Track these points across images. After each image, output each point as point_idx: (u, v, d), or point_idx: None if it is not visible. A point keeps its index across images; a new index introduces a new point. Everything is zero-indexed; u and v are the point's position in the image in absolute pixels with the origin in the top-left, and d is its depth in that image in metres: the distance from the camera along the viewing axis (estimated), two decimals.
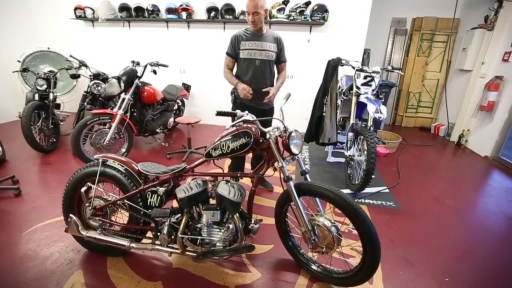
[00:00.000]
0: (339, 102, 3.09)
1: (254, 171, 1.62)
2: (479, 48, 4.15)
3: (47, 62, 4.71)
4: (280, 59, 2.36)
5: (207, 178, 1.65)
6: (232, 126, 1.50)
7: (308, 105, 3.46)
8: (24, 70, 3.79)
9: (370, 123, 2.74)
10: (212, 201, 1.63)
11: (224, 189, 1.50)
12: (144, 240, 1.73)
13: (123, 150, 3.18)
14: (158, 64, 3.17)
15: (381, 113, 2.47)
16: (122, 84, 3.05)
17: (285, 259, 1.82)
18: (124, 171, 1.66)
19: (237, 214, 1.53)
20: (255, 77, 2.28)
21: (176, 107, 4.27)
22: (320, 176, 3.13)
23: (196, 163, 1.65)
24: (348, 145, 2.77)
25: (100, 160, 1.67)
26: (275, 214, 1.74)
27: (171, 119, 3.93)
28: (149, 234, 1.72)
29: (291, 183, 1.50)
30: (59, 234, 1.97)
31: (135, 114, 3.41)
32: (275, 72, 2.41)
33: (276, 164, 1.53)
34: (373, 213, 2.44)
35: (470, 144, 4.27)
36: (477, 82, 4.11)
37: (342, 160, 3.35)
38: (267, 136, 1.50)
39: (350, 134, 2.77)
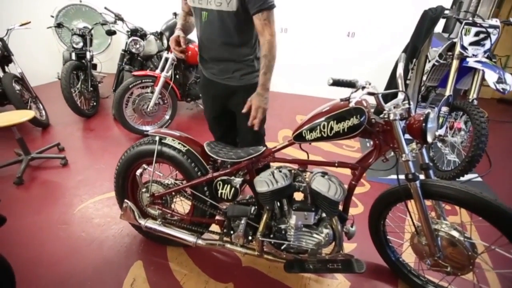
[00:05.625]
0: (427, 67, 2.45)
1: (359, 160, 1.21)
2: None
3: (80, 17, 4.36)
4: (251, 7, 1.18)
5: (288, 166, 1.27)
6: (345, 100, 1.06)
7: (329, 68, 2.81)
8: (58, 25, 3.48)
9: (473, 95, 2.14)
10: (296, 196, 1.28)
11: (321, 184, 1.13)
12: (209, 236, 1.46)
13: (167, 117, 2.88)
14: None
15: (506, 83, 1.85)
16: (165, 41, 2.63)
17: (374, 264, 1.48)
18: (186, 153, 1.33)
19: (336, 216, 1.17)
20: (203, 41, 1.38)
21: None
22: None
23: (279, 146, 1.27)
24: (440, 122, 2.23)
25: (157, 138, 1.35)
26: (370, 216, 1.36)
27: None
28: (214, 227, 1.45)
29: (418, 183, 1.08)
30: (111, 214, 1.77)
31: (177, 76, 3.03)
32: (248, 31, 1.29)
33: (392, 155, 1.13)
34: None
35: None
36: None
37: None
38: (391, 116, 1.05)
39: (444, 109, 2.21)
